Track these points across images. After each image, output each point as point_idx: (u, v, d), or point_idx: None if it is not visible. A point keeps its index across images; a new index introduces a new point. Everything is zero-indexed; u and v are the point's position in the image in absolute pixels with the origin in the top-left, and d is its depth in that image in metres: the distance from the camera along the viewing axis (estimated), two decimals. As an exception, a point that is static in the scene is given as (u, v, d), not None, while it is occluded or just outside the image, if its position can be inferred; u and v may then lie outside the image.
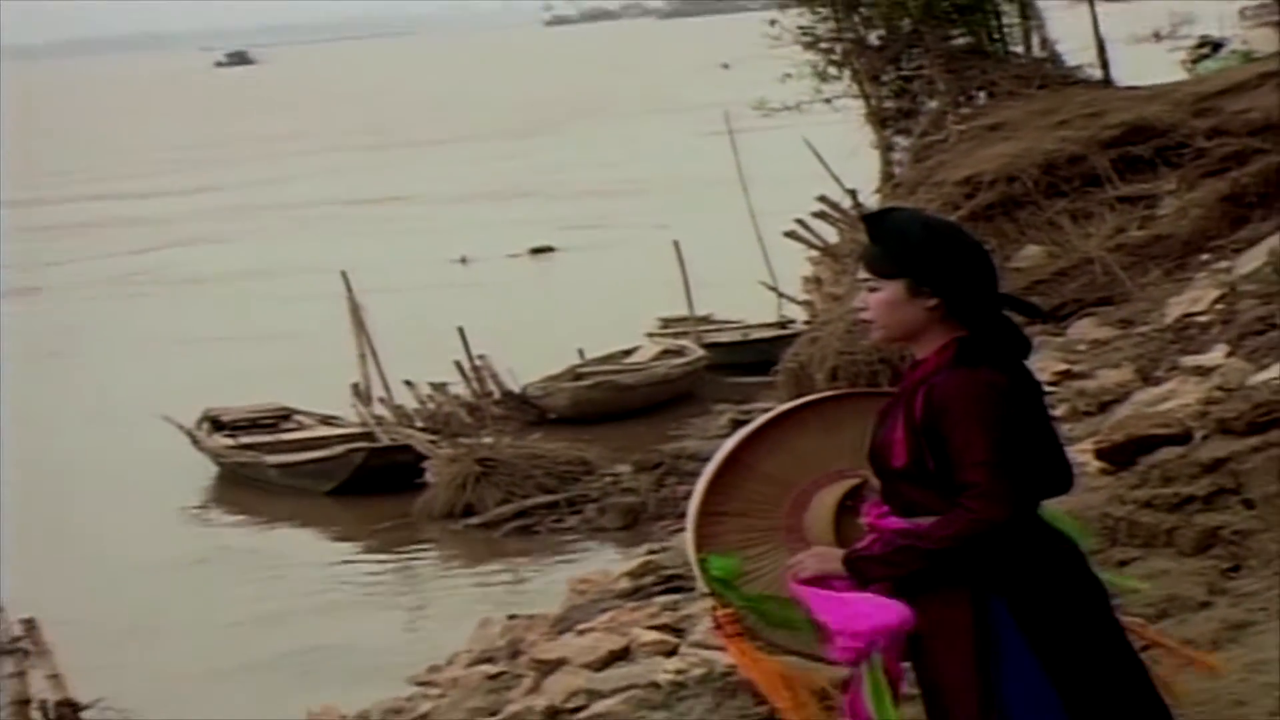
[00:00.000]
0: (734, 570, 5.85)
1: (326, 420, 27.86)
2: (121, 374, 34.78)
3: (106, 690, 18.23)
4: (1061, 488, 5.65)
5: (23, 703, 17.92)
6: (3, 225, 61.38)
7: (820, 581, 5.61)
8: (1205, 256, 23.10)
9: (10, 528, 25.10)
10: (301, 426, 27.98)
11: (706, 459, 6.10)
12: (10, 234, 59.08)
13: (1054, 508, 5.66)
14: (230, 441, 27.56)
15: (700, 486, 5.98)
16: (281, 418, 28.40)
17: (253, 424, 28.13)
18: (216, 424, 28.03)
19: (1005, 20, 30.41)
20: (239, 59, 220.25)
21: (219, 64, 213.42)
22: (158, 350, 37.42)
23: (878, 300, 5.63)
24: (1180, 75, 33.78)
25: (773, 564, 5.84)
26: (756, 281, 30.36)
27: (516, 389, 28.26)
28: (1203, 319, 20.66)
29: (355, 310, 27.22)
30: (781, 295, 30.07)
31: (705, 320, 31.43)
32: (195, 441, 27.74)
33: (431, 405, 27.30)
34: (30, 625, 18.11)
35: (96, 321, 42.36)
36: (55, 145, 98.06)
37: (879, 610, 5.49)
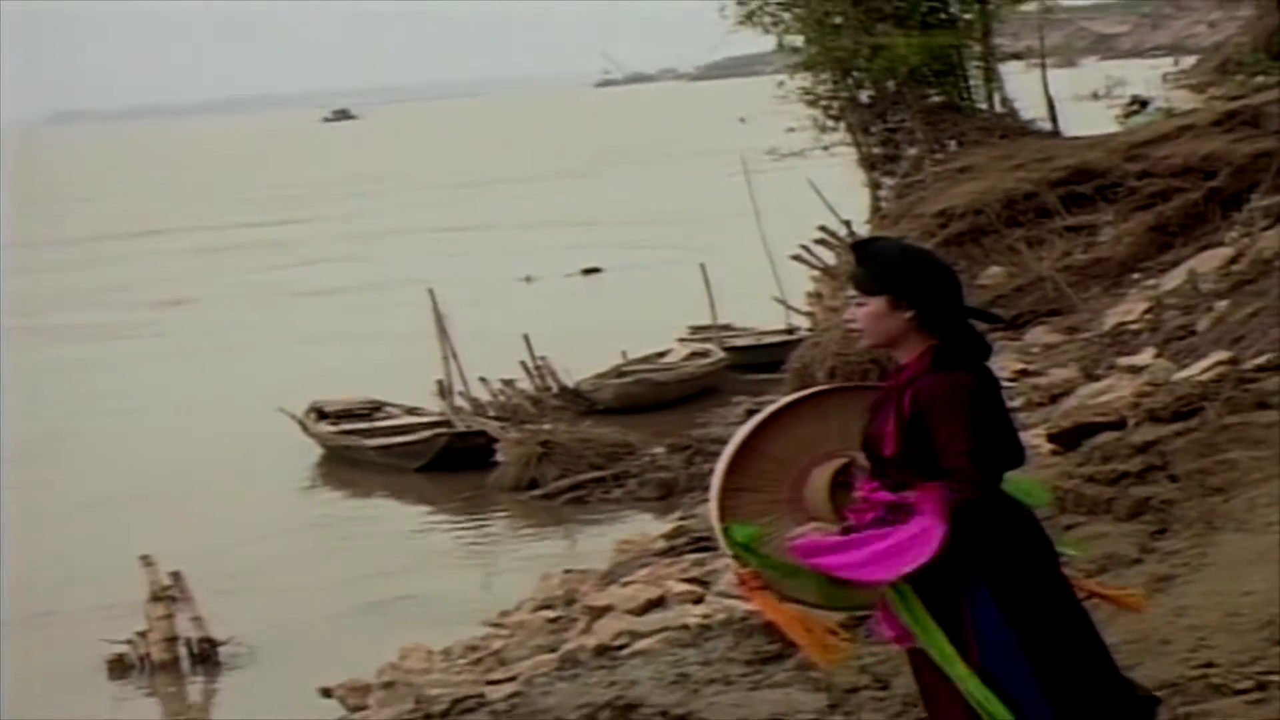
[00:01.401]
0: (753, 536, 5.84)
1: (411, 411, 27.84)
2: (251, 369, 34.85)
3: (238, 630, 18.32)
4: (1017, 463, 5.68)
5: (170, 639, 18.00)
6: (166, 248, 62.01)
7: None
8: (1136, 275, 23.06)
9: (162, 496, 25.20)
10: (391, 416, 28.00)
11: (727, 442, 6.10)
12: (171, 255, 59.50)
13: (1016, 475, 5.69)
14: (334, 428, 27.61)
15: (720, 467, 5.97)
16: (374, 408, 28.42)
17: (351, 413, 28.15)
18: (321, 414, 28.07)
19: (972, 82, 30.35)
20: (342, 115, 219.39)
21: (326, 119, 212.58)
22: (281, 350, 37.54)
23: (864, 313, 5.66)
24: (1115, 127, 33.64)
25: (781, 530, 5.84)
26: (768, 296, 30.29)
27: (571, 384, 28.22)
28: (1134, 327, 20.62)
29: (439, 319, 27.18)
30: (789, 307, 29.99)
31: (726, 328, 31.40)
32: (304, 428, 27.79)
33: (502, 398, 27.27)
34: (176, 576, 18.20)
35: (237, 327, 42.49)
36: (199, 185, 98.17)
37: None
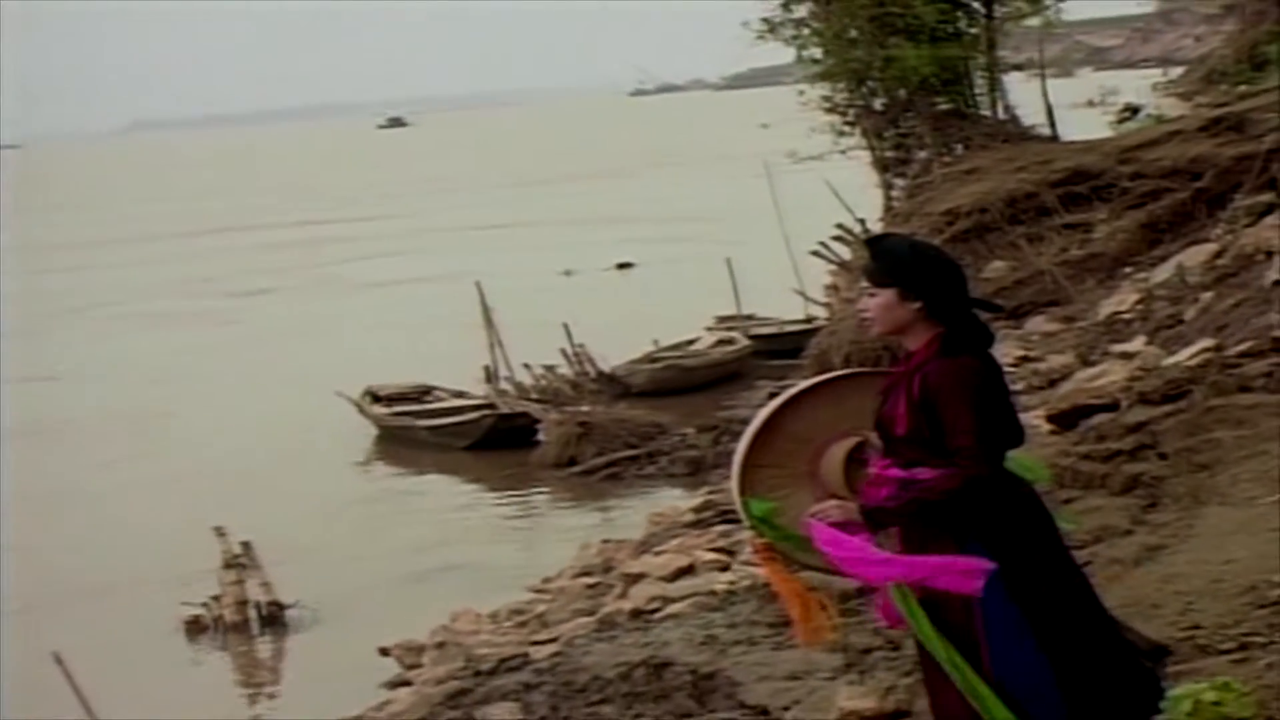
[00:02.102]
0: (769, 511, 5.86)
1: (459, 394, 27.84)
2: (315, 355, 34.93)
3: (302, 594, 18.38)
4: (1018, 443, 5.68)
5: (241, 603, 18.07)
6: (242, 244, 62.49)
7: (840, 526, 5.64)
8: (1128, 269, 23.01)
9: (233, 472, 25.28)
10: (440, 399, 28.00)
11: (751, 422, 6.11)
12: (246, 251, 59.85)
13: (1018, 454, 5.70)
14: (388, 410, 27.65)
15: (742, 444, 5.99)
16: (424, 392, 28.41)
17: (403, 397, 28.16)
18: (376, 397, 28.09)
19: (977, 91, 30.30)
20: (396, 123, 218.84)
21: (380, 127, 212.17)
22: (342, 337, 37.62)
23: (876, 304, 5.67)
24: (1109, 132, 33.54)
25: (797, 504, 5.85)
26: (789, 288, 30.25)
27: (607, 370, 28.23)
28: (1127, 316, 20.58)
29: (486, 310, 27.21)
30: (808, 299, 29.95)
31: (750, 317, 31.35)
32: (360, 410, 27.82)
33: (543, 382, 27.27)
34: (246, 546, 18.27)
35: (304, 315, 42.66)
36: (269, 186, 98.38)
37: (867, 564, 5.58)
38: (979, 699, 5.44)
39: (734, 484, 5.94)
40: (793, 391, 6.09)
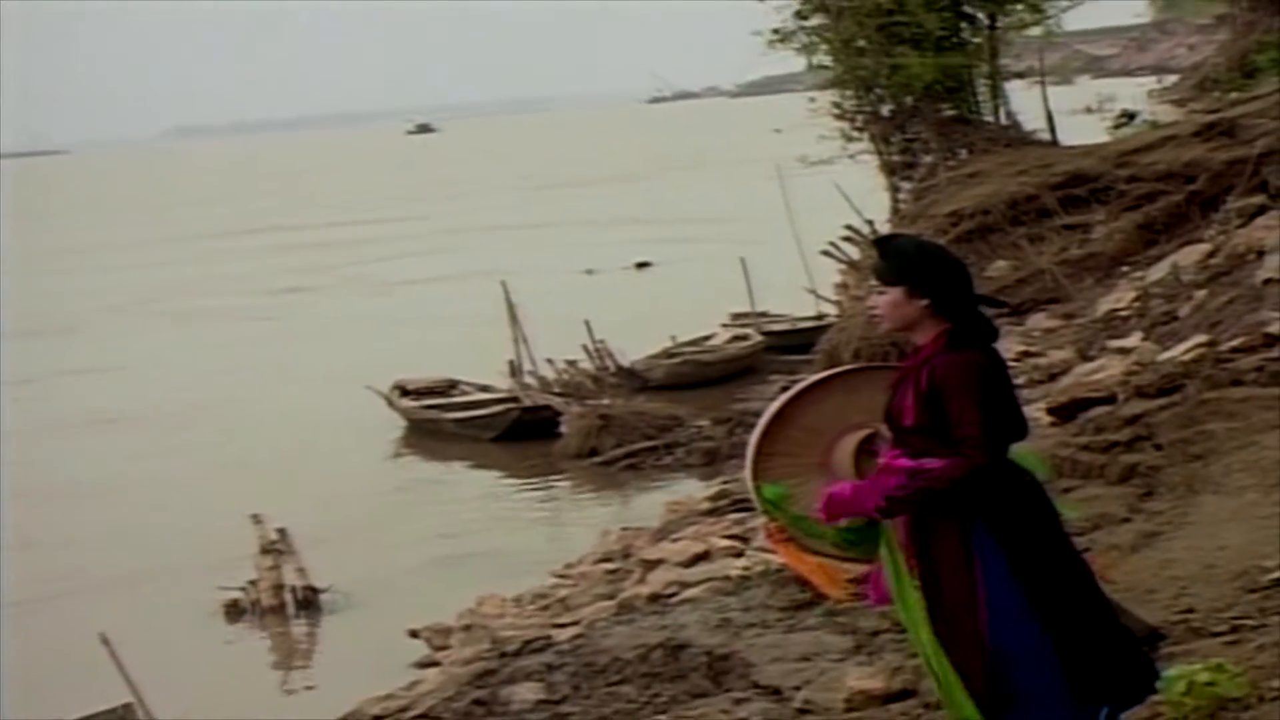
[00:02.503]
0: (781, 496, 5.86)
1: (483, 388, 27.86)
2: (347, 350, 35.03)
3: (336, 579, 18.43)
4: (1021, 435, 5.68)
5: (278, 587, 18.13)
6: (278, 244, 62.74)
7: (844, 502, 5.65)
8: (1125, 268, 22.96)
9: (266, 462, 25.33)
10: (465, 393, 28.01)
11: (762, 415, 6.11)
12: (283, 251, 60.04)
13: (1020, 448, 5.69)
14: (416, 403, 27.67)
15: (755, 434, 5.99)
16: (450, 386, 28.44)
17: (430, 391, 28.18)
18: (404, 391, 28.12)
19: (980, 98, 30.24)
20: (424, 129, 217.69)
21: (409, 132, 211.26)
22: (373, 332, 37.69)
23: (884, 301, 5.67)
24: (1106, 137, 33.48)
25: (808, 491, 5.85)
26: (801, 287, 30.25)
27: (627, 364, 28.23)
28: (1124, 313, 20.53)
29: (511, 307, 27.22)
30: (818, 297, 29.94)
31: (763, 314, 31.34)
32: (390, 403, 27.86)
33: (565, 376, 27.31)
34: (282, 532, 18.32)
35: (337, 312, 42.81)
36: (304, 190, 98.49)
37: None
38: (947, 690, 5.45)
39: (747, 470, 5.95)
40: (805, 384, 6.09)
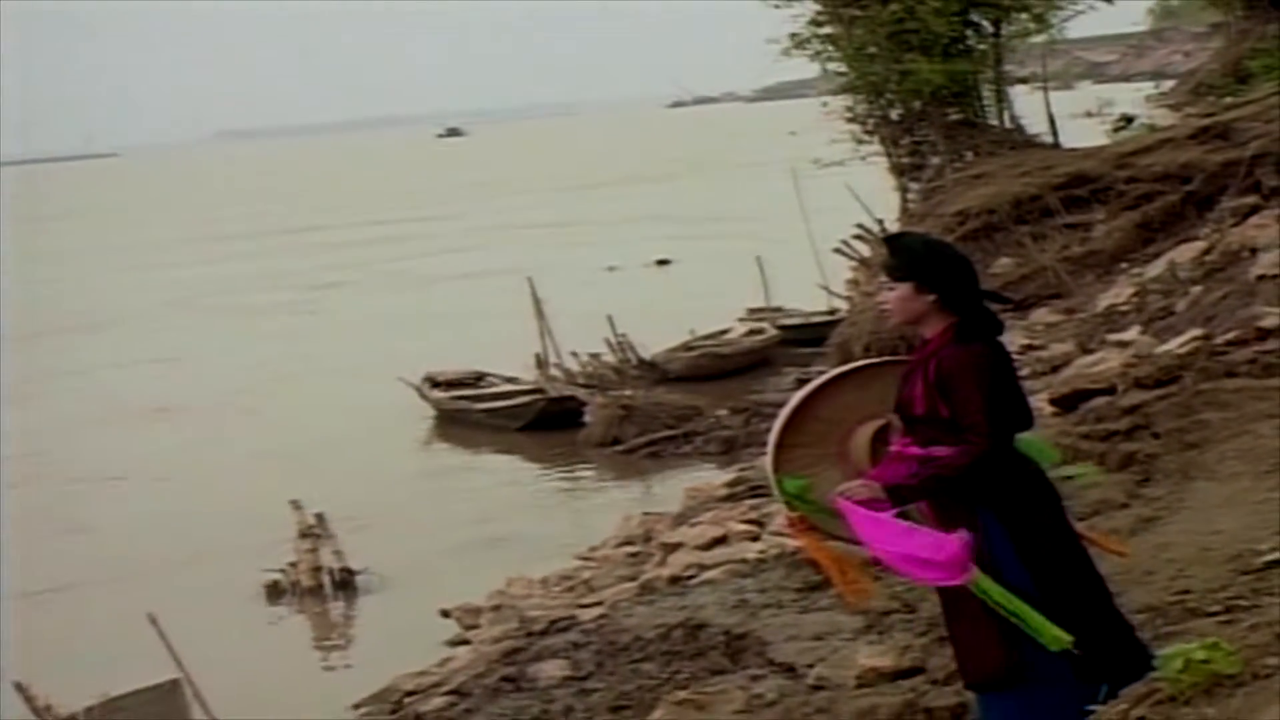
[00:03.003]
0: (801, 488, 5.87)
1: (509, 380, 27.85)
2: (379, 343, 35.08)
3: (371, 561, 18.46)
4: (1026, 425, 5.69)
5: (316, 569, 18.18)
6: (317, 242, 62.98)
7: (866, 503, 5.63)
8: (1124, 265, 22.92)
9: (306, 450, 25.37)
10: (492, 385, 28.01)
11: (780, 406, 6.13)
12: (323, 248, 60.25)
13: (1029, 436, 5.71)
14: (446, 394, 27.69)
15: (776, 426, 6.00)
16: (478, 378, 28.45)
17: (459, 383, 28.20)
18: (434, 382, 28.14)
19: (985, 102, 30.18)
20: (454, 132, 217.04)
21: (439, 136, 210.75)
22: (404, 326, 37.75)
23: (894, 296, 5.69)
24: (1105, 140, 33.39)
25: (827, 480, 5.87)
26: (814, 283, 30.23)
27: (647, 357, 28.24)
28: (1123, 308, 20.50)
29: (537, 302, 27.23)
30: (831, 292, 29.90)
31: (778, 309, 31.35)
32: (421, 395, 27.89)
33: (589, 368, 27.30)
34: (320, 517, 18.36)
35: (371, 307, 42.89)
36: (342, 191, 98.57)
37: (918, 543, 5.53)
38: (1036, 628, 5.42)
39: (768, 462, 5.96)
40: (823, 379, 6.11)
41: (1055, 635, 5.38)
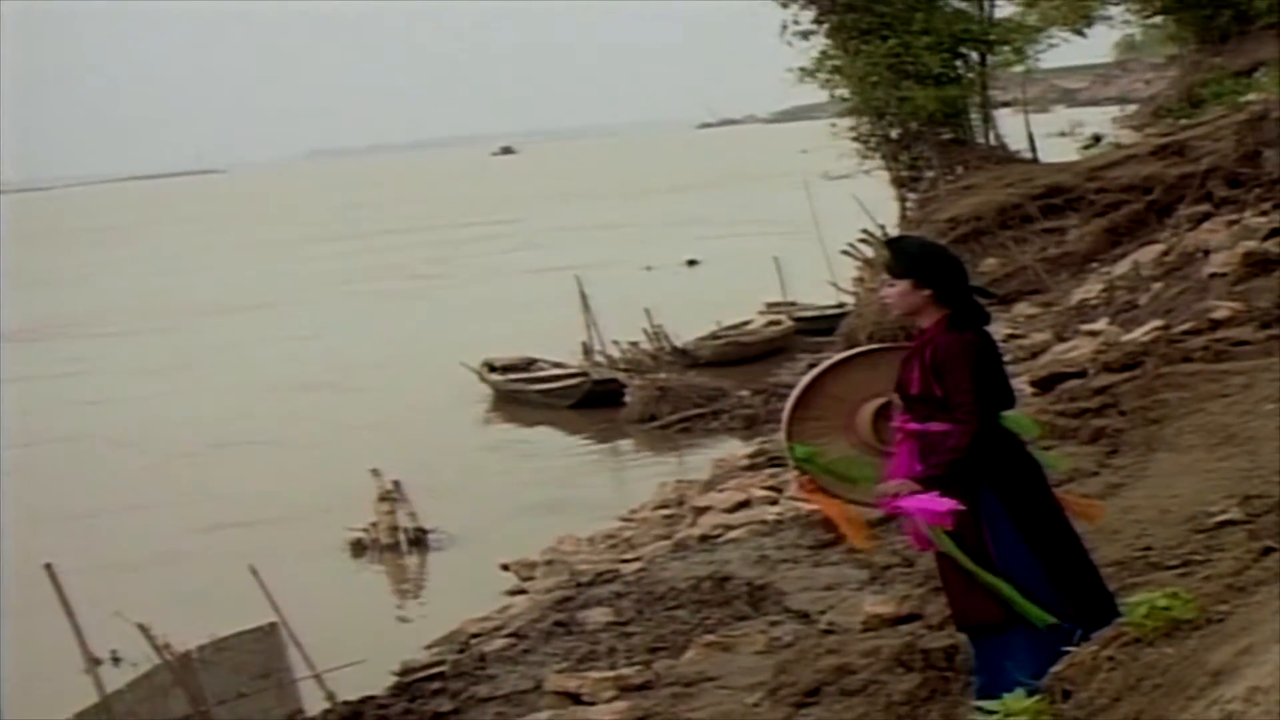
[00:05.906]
0: (811, 453, 5.87)
1: (556, 365, 27.84)
2: (451, 329, 35.22)
3: (441, 522, 18.50)
4: (1010, 404, 5.68)
5: (393, 528, 18.21)
6: (408, 242, 63.51)
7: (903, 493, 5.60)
8: (1094, 265, 22.85)
9: (386, 424, 25.42)
10: (542, 369, 28.01)
11: (796, 386, 6.12)
12: (414, 246, 60.75)
13: (1012, 413, 5.70)
14: (502, 377, 27.71)
15: (790, 401, 6.00)
16: (529, 363, 28.44)
17: (513, 367, 28.21)
18: (491, 367, 28.15)
19: (973, 123, 30.16)
20: (506, 150, 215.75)
21: (493, 154, 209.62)
22: (468, 316, 37.83)
23: (894, 292, 5.68)
24: (1077, 156, 33.24)
25: (835, 448, 5.87)
26: (824, 280, 30.17)
27: (680, 345, 28.21)
28: (1093, 302, 20.44)
29: (583, 296, 27.23)
30: (839, 289, 29.83)
31: (793, 303, 31.25)
32: (480, 378, 27.92)
33: (629, 355, 27.30)
34: (397, 484, 18.39)
35: (448, 299, 43.12)
36: (414, 201, 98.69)
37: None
38: (994, 586, 5.45)
39: (783, 431, 5.96)
40: (832, 360, 6.11)
41: (1039, 615, 5.40)
